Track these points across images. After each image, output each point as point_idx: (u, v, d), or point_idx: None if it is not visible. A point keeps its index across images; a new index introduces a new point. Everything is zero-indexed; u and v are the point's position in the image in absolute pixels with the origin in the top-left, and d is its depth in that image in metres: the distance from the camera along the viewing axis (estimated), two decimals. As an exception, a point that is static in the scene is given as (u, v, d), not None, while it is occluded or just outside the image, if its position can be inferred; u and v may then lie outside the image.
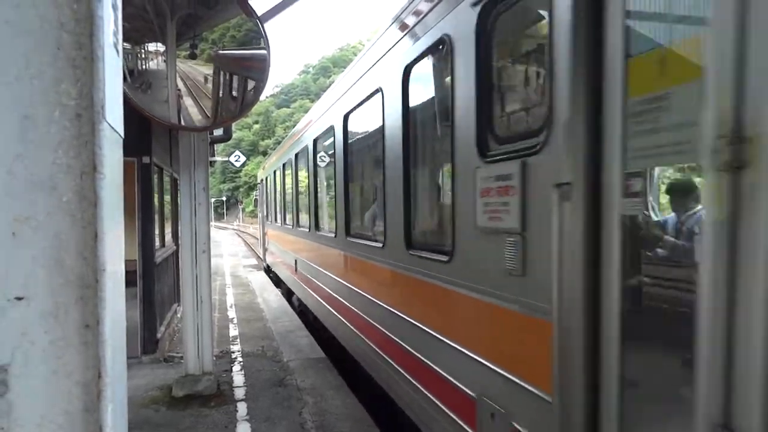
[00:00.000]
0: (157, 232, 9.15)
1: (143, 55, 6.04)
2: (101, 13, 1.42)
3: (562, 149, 2.39)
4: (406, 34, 4.10)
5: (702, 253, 1.88)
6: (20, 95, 1.40)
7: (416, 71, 4.04)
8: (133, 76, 5.92)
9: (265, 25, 6.23)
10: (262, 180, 19.14)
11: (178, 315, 11.08)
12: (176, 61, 6.10)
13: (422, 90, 4.04)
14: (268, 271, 18.66)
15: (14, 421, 1.36)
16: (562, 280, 2.39)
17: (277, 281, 16.33)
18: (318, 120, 7.82)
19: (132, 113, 5.64)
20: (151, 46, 6.05)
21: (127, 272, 1.75)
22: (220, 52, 6.29)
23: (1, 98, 1.39)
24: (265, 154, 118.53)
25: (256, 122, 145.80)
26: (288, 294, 13.82)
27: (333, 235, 6.84)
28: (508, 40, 2.97)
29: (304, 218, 9.37)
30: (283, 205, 12.78)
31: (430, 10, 3.58)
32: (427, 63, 3.81)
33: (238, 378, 7.46)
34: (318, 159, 8.09)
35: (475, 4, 3.02)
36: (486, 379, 3.11)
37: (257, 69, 6.27)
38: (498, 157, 2.91)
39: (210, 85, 6.24)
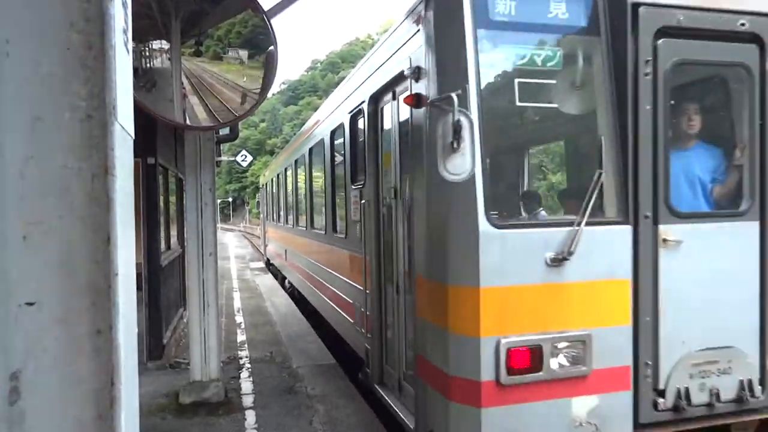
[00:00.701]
0: (162, 234, 9.21)
1: (147, 53, 6.08)
2: (112, 11, 1.43)
3: (369, 186, 6.11)
4: (331, 113, 8.48)
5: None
6: (31, 97, 1.42)
7: (336, 134, 8.08)
8: (138, 74, 5.96)
9: (272, 20, 6.25)
10: (262, 185, 25.66)
11: (184, 320, 11.15)
12: (181, 58, 6.14)
13: (338, 144, 7.93)
14: (269, 264, 24.49)
15: (27, 430, 1.38)
16: (369, 240, 6.21)
17: (276, 273, 21.07)
18: (287, 155, 14.84)
19: (137, 112, 5.69)
20: (156, 44, 6.10)
21: (137, 276, 1.78)
22: (226, 48, 6.34)
23: (12, 100, 1.41)
24: (272, 153, 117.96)
25: (263, 120, 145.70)
26: (282, 280, 19.10)
27: (303, 227, 11.71)
28: (358, 132, 6.77)
29: (290, 218, 14.46)
30: (276, 208, 18.64)
31: (335, 108, 8.03)
32: (339, 131, 7.76)
33: (246, 385, 7.49)
34: (287, 179, 14.42)
35: (349, 113, 7.00)
36: (355, 292, 6.87)
37: (264, 66, 6.31)
38: (354, 186, 6.83)
39: (216, 83, 6.29)
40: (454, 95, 3.98)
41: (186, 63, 6.18)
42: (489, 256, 4.22)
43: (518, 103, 4.48)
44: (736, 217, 4.85)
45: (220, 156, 19.93)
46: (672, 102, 4.67)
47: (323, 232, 9.24)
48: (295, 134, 17.31)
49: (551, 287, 4.36)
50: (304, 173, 12.12)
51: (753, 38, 4.80)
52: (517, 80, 4.37)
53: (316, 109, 14.04)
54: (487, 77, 4.38)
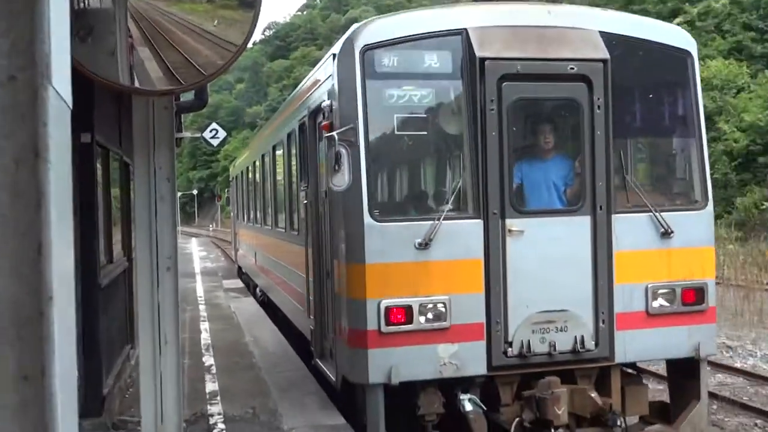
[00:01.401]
0: (101, 242, 9.21)
1: (81, -12, 6.12)
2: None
3: (311, 188, 10.87)
4: (290, 114, 13.06)
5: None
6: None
7: (291, 137, 13.05)
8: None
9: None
10: (233, 178, 29.94)
11: (132, 361, 11.18)
12: (128, -5, 6.16)
13: (292, 147, 12.72)
14: (241, 273, 28.18)
15: None
16: (309, 235, 11.13)
17: (248, 282, 24.65)
18: (259, 143, 19.81)
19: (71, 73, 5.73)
20: (93, -25, 6.13)
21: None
22: (191, -19, 6.37)
23: None
24: (253, 127, 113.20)
25: (241, 81, 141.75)
26: (253, 288, 23.00)
27: (270, 227, 16.73)
28: (305, 139, 11.33)
29: (259, 217, 19.62)
30: (246, 206, 23.77)
31: (294, 110, 12.67)
32: (293, 136, 12.32)
33: (219, 453, 7.54)
34: (256, 173, 19.99)
35: (298, 120, 11.90)
36: (303, 282, 11.75)
37: (242, 5, 6.32)
38: (301, 187, 11.67)
39: (176, 30, 6.26)
40: (335, 134, 8.41)
41: (135, 2, 6.19)
42: (372, 241, 8.65)
43: (396, 132, 9.16)
44: (571, 213, 9.36)
45: (181, 131, 19.80)
46: (515, 128, 9.22)
47: (283, 230, 14.35)
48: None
49: (420, 264, 8.76)
50: (270, 169, 17.00)
51: (582, 78, 9.27)
52: (396, 115, 9.03)
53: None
54: (374, 114, 8.90)
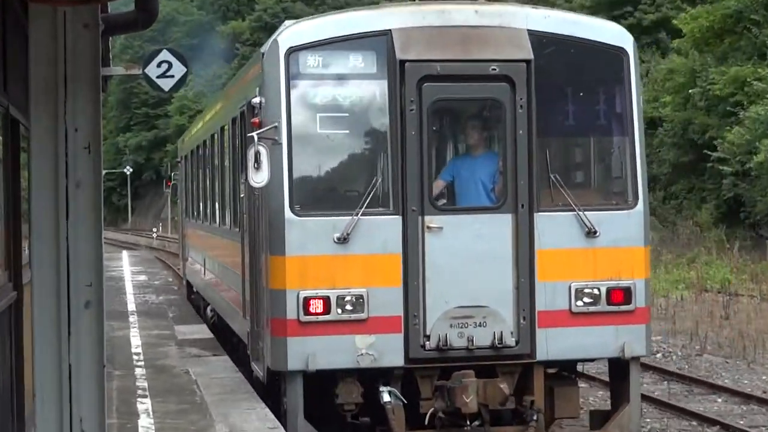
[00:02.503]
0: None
1: None
2: None
3: (247, 183, 10.27)
4: (225, 107, 15.07)
5: None
6: None
7: (225, 131, 14.71)
8: None
9: None
10: (181, 158, 25.45)
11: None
12: None
13: (228, 141, 14.31)
14: (190, 293, 23.11)
15: None
16: (244, 231, 12.04)
17: (199, 304, 20.85)
18: (202, 129, 19.21)
19: None
20: None
21: None
22: None
23: None
24: (230, 58, 77.45)
25: None
26: (204, 309, 19.48)
27: (217, 224, 16.25)
28: (239, 135, 12.57)
29: (207, 212, 17.99)
30: (194, 198, 20.89)
31: (227, 105, 14.76)
32: (228, 130, 14.02)
33: None
34: (205, 155, 18.61)
35: (231, 117, 13.47)
36: (237, 280, 12.73)
37: None
38: (241, 182, 12.13)
39: None
40: (254, 134, 9.46)
41: None
42: (292, 235, 9.79)
43: (319, 131, 10.24)
44: (493, 211, 10.12)
45: (108, 65, 13.25)
46: (434, 128, 10.38)
47: (227, 228, 14.35)
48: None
49: (338, 258, 9.82)
50: (218, 154, 16.01)
51: (504, 79, 9.99)
52: (319, 114, 10.18)
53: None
54: (297, 113, 10.01)
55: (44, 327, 5.17)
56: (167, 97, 75.29)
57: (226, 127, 14.36)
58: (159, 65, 16.34)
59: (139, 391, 11.93)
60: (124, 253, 46.48)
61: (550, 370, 10.45)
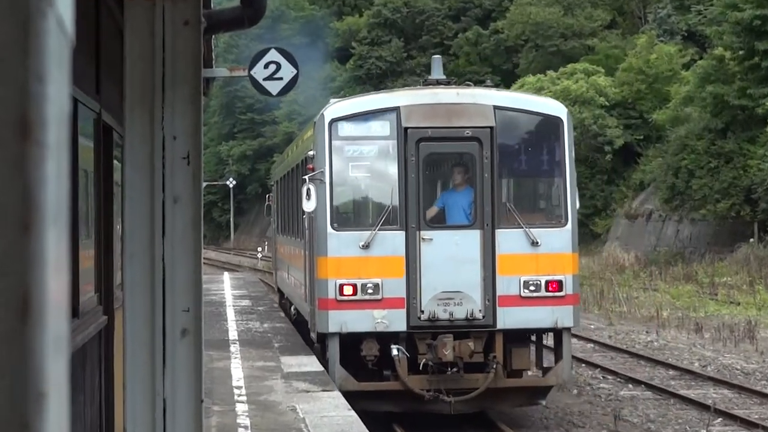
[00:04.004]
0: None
1: None
2: None
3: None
4: (300, 157, 18.96)
5: None
6: None
7: (300, 168, 18.88)
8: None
9: None
10: (274, 182, 30.48)
11: None
12: None
13: (300, 174, 18.14)
14: (282, 299, 26.92)
15: None
16: (307, 239, 17.81)
17: (287, 308, 24.15)
18: (288, 159, 23.87)
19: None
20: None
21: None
22: None
23: None
24: (345, 59, 70.69)
25: None
26: (288, 307, 23.71)
27: (291, 234, 22.35)
28: (303, 172, 16.95)
29: (287, 227, 23.85)
30: (282, 215, 26.05)
31: (299, 148, 20.25)
32: (302, 166, 18.04)
33: None
34: (285, 186, 24.35)
35: (301, 160, 18.47)
36: (302, 275, 18.67)
37: None
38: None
39: None
40: (306, 177, 15.21)
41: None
42: (332, 242, 14.88)
43: (350, 174, 15.43)
44: (467, 228, 14.90)
45: (211, 67, 11.94)
46: (427, 172, 15.65)
47: (299, 238, 19.02)
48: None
49: (363, 258, 14.75)
50: (294, 185, 20.60)
51: (475, 139, 14.84)
52: (350, 163, 15.37)
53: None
54: (336, 163, 15.17)
55: (137, 356, 4.28)
56: (275, 102, 65.12)
57: (298, 166, 19.30)
58: (266, 66, 14.69)
59: (241, 430, 10.95)
60: (225, 276, 41.02)
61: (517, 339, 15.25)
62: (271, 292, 32.45)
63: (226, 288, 33.35)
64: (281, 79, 14.63)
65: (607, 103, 53.52)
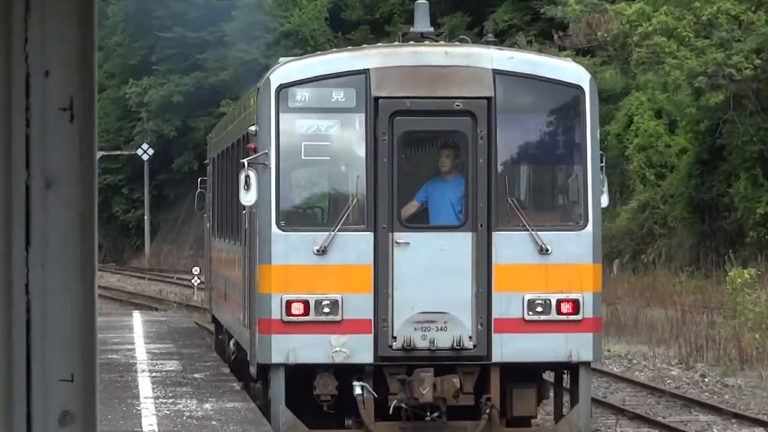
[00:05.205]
0: None
1: None
2: None
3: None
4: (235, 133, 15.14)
5: None
6: None
7: (235, 148, 15.22)
8: None
9: None
10: (210, 160, 20.53)
11: None
12: None
13: (238, 157, 13.57)
14: (218, 330, 18.86)
15: None
16: (246, 242, 13.33)
17: (223, 346, 18.25)
18: (228, 133, 17.55)
19: None
20: None
21: None
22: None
23: None
24: None
25: None
26: (227, 341, 17.69)
27: (226, 239, 16.56)
28: (243, 155, 12.84)
29: (223, 227, 18.25)
30: (217, 211, 19.65)
31: (238, 122, 15.01)
32: (240, 145, 14.00)
33: None
34: (222, 170, 18.38)
35: (243, 131, 13.63)
36: (239, 290, 13.98)
37: None
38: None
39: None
40: (245, 160, 11.44)
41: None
42: (277, 246, 11.34)
43: (303, 157, 11.86)
44: (455, 229, 11.45)
45: None
46: (404, 156, 11.75)
47: (236, 242, 14.71)
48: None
49: (317, 267, 11.28)
50: (230, 170, 16.15)
51: (467, 113, 11.31)
52: (304, 143, 11.75)
53: None
54: (285, 142, 11.52)
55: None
56: (224, 8, 41.02)
57: (236, 144, 15.10)
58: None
59: None
60: (136, 317, 26.55)
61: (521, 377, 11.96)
62: (218, 343, 20.95)
63: (137, 339, 21.55)
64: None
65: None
